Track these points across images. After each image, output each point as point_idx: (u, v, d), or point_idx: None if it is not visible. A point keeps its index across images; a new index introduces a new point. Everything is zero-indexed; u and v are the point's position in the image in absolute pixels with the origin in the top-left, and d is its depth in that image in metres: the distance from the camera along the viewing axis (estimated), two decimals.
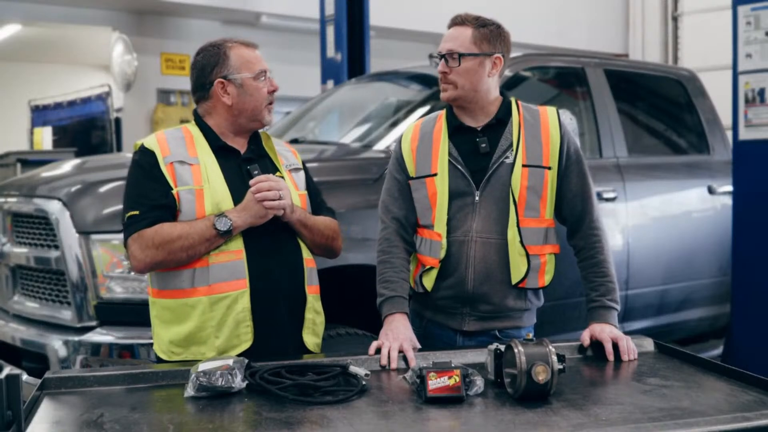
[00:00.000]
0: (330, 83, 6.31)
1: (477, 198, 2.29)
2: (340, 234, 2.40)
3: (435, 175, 2.31)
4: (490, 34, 2.30)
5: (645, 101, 4.67)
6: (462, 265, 2.29)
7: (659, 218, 4.15)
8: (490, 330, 2.33)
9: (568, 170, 2.34)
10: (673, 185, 4.29)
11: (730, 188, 4.34)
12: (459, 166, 2.30)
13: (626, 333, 2.22)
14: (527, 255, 2.28)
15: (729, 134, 4.47)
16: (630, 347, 2.14)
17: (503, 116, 2.34)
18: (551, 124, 2.33)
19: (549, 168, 2.30)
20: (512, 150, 2.28)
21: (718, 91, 5.04)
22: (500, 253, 2.28)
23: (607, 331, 2.18)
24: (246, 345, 2.14)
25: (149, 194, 2.14)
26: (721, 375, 1.96)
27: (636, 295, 3.95)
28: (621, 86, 4.28)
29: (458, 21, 2.32)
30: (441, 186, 2.30)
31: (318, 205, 2.39)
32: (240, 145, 2.27)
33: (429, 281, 2.34)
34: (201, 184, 2.15)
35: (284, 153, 2.38)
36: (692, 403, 1.73)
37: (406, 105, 4.03)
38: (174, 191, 2.13)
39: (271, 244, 2.20)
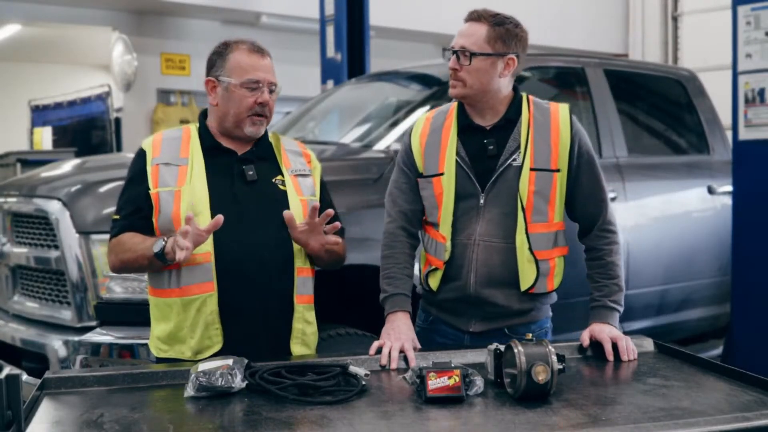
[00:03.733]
0: (330, 83, 6.31)
1: (482, 201, 2.26)
2: (345, 252, 2.35)
3: (442, 174, 2.28)
4: (505, 34, 2.23)
5: (645, 101, 4.67)
6: (464, 269, 2.27)
7: (659, 218, 4.14)
8: (498, 329, 2.31)
9: (580, 171, 2.29)
10: (673, 185, 4.29)
11: (730, 188, 4.34)
12: (465, 168, 2.27)
13: (626, 333, 2.22)
14: (536, 261, 2.25)
15: (729, 134, 4.47)
16: (630, 347, 2.13)
17: (513, 116, 2.29)
18: (562, 124, 2.28)
19: (557, 171, 2.26)
20: (519, 152, 2.25)
21: (718, 91, 5.03)
22: (503, 257, 2.25)
23: (606, 331, 2.18)
24: (217, 347, 2.15)
25: (130, 199, 2.21)
26: (721, 375, 1.95)
27: (636, 295, 3.95)
28: (621, 86, 4.28)
29: (474, 17, 2.25)
30: (447, 187, 2.27)
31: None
32: (238, 146, 2.26)
33: (434, 282, 2.33)
34: (182, 185, 2.16)
35: (294, 158, 2.34)
36: (692, 403, 1.73)
37: (406, 105, 4.03)
38: (153, 192, 2.16)
39: (248, 250, 2.16)
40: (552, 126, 2.28)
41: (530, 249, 2.24)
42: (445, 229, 2.28)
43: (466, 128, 2.31)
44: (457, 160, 2.28)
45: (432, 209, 2.32)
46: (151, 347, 2.27)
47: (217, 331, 2.15)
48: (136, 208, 2.18)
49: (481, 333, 2.30)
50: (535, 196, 2.24)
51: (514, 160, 2.25)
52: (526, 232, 2.24)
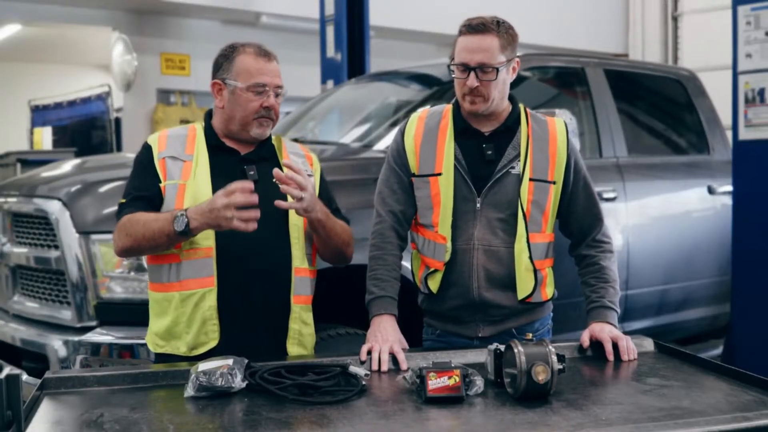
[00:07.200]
0: (330, 83, 6.31)
1: (479, 205, 2.25)
2: (353, 241, 2.37)
3: (439, 174, 2.27)
4: (511, 38, 2.22)
5: (645, 101, 4.67)
6: (465, 273, 2.26)
7: (659, 218, 4.15)
8: (506, 330, 2.31)
9: (576, 187, 2.31)
10: (673, 185, 4.29)
11: (730, 188, 4.34)
12: (462, 170, 2.26)
13: (626, 333, 2.22)
14: (535, 270, 2.26)
15: (729, 134, 4.48)
16: (630, 347, 2.13)
17: (512, 124, 2.29)
18: (559, 139, 2.29)
19: (553, 183, 2.27)
20: (519, 160, 2.25)
21: (718, 91, 5.04)
22: (503, 262, 2.25)
23: (606, 330, 2.18)
24: (213, 343, 2.16)
25: (138, 185, 2.22)
26: (721, 375, 1.96)
27: (636, 295, 3.95)
28: (621, 86, 4.28)
29: (481, 29, 2.18)
30: (445, 187, 2.26)
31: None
32: (241, 146, 2.27)
33: (434, 284, 2.31)
34: (187, 179, 2.18)
35: (295, 159, 2.34)
36: (692, 403, 1.73)
37: (406, 105, 4.03)
38: (162, 185, 2.18)
39: (249, 247, 2.16)
40: (550, 139, 2.29)
41: (530, 258, 2.25)
42: (445, 230, 2.27)
43: (464, 131, 2.30)
44: (453, 162, 2.27)
45: (426, 210, 2.31)
46: (148, 342, 2.28)
47: (214, 327, 2.15)
48: (143, 194, 2.18)
49: (490, 337, 2.29)
50: (533, 205, 2.25)
51: (513, 168, 2.25)
52: (528, 241, 2.24)
